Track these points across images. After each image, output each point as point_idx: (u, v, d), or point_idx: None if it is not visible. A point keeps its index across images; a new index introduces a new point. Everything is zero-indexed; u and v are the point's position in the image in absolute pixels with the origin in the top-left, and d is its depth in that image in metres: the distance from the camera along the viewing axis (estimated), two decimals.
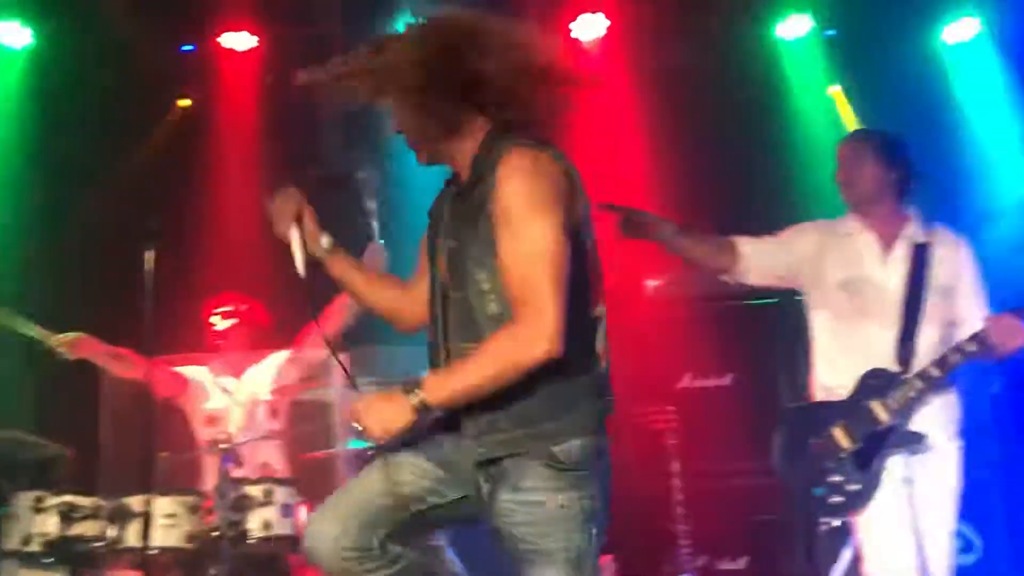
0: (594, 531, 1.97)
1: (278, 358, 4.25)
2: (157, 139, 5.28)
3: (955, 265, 3.11)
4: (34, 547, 3.41)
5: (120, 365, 3.97)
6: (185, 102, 5.44)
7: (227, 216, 5.18)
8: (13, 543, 3.46)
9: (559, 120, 2.04)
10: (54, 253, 4.94)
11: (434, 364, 2.10)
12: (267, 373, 4.25)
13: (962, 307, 3.10)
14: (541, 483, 1.95)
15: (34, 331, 3.79)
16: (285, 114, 5.42)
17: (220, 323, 4.24)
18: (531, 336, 1.87)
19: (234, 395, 4.22)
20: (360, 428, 1.98)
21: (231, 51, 5.39)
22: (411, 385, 1.95)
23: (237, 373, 4.26)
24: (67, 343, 3.85)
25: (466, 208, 2.03)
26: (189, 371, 4.24)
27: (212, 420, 4.16)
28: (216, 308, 4.26)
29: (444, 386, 1.94)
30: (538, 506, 1.95)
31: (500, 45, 1.97)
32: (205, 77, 5.43)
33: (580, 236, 1.99)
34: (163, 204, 4.52)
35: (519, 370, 1.88)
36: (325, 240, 2.26)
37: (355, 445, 3.88)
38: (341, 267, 2.28)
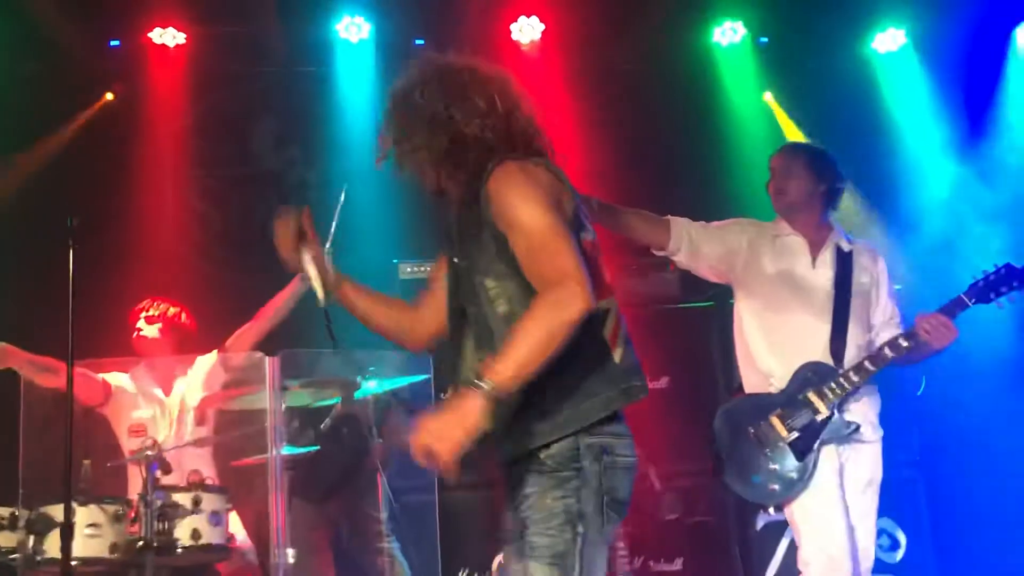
0: (580, 530, 1.97)
1: (205, 363, 4.15)
2: (77, 129, 5.10)
3: (874, 274, 3.33)
4: None
5: (43, 375, 3.82)
6: (109, 96, 5.28)
7: (152, 215, 5.05)
8: None
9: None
10: None
11: (452, 381, 2.14)
12: (195, 378, 4.14)
13: (876, 314, 3.32)
14: (530, 487, 2.00)
15: None
16: (214, 112, 5.32)
17: (146, 328, 4.12)
18: (563, 295, 1.90)
19: (162, 402, 4.10)
20: (430, 460, 1.84)
21: (161, 47, 5.29)
22: (470, 382, 1.90)
23: (164, 379, 4.15)
24: None
25: (468, 224, 2.11)
26: (113, 378, 4.11)
27: (138, 428, 4.03)
28: (141, 312, 4.14)
29: (504, 365, 1.88)
30: (528, 504, 1.99)
31: (495, 91, 2.12)
32: (133, 73, 5.29)
33: (578, 234, 2.05)
34: (84, 202, 4.36)
35: (564, 329, 1.88)
36: (328, 261, 2.25)
37: (288, 450, 3.82)
38: (351, 292, 2.30)
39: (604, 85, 5.50)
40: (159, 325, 4.12)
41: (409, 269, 4.81)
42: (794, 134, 5.58)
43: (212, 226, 5.16)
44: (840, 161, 3.41)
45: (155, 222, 5.03)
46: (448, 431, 1.84)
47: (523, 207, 1.99)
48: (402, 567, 4.10)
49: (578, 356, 1.98)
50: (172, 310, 4.16)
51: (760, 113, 5.74)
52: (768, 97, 5.75)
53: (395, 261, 4.85)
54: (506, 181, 2.02)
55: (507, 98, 2.12)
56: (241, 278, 4.85)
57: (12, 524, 3.37)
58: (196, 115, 5.30)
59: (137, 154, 5.12)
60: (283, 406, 3.25)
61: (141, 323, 4.11)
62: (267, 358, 3.38)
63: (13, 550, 3.34)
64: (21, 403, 3.51)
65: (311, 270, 2.20)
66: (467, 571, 4.18)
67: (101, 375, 4.09)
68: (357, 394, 3.91)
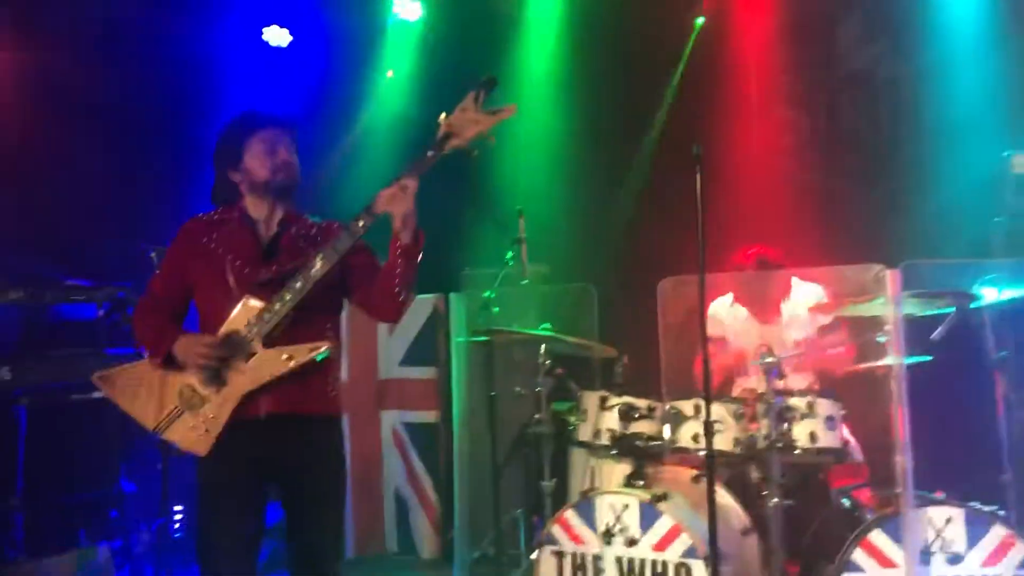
0: None
1: (808, 290, 4.27)
2: (684, 59, 5.45)
3: None
4: (602, 440, 3.91)
5: None
6: (700, 20, 5.53)
7: (746, 129, 5.22)
8: (585, 435, 4.00)
9: None
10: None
11: None
12: (803, 299, 4.28)
13: None
14: None
15: None
16: (797, 16, 5.28)
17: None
18: None
19: (761, 328, 4.34)
20: None
21: None
22: None
23: (765, 304, 4.34)
24: None
25: None
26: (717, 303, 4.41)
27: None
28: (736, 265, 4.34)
29: None
30: None
31: None
32: None
33: None
34: (688, 123, 4.67)
35: None
36: None
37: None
38: None
39: None
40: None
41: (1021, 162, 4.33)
42: None
43: (800, 132, 5.19)
44: None
45: (745, 133, 5.21)
46: None
47: None
48: None
49: None
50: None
51: None
52: None
53: (1007, 154, 4.40)
54: None
55: None
56: (831, 183, 4.84)
57: (651, 414, 3.89)
58: (779, 23, 5.32)
59: (732, 72, 5.31)
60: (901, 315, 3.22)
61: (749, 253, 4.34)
62: (887, 270, 3.35)
63: (653, 437, 3.86)
64: (659, 314, 3.95)
65: None
66: None
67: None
68: (972, 305, 3.67)
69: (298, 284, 2.74)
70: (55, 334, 4.26)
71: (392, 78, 6.35)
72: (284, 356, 2.75)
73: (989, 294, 3.65)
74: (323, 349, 2.77)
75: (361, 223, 2.72)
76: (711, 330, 4.19)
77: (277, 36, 6.11)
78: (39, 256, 4.55)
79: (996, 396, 3.47)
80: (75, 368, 4.18)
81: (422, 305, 5.20)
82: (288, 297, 2.74)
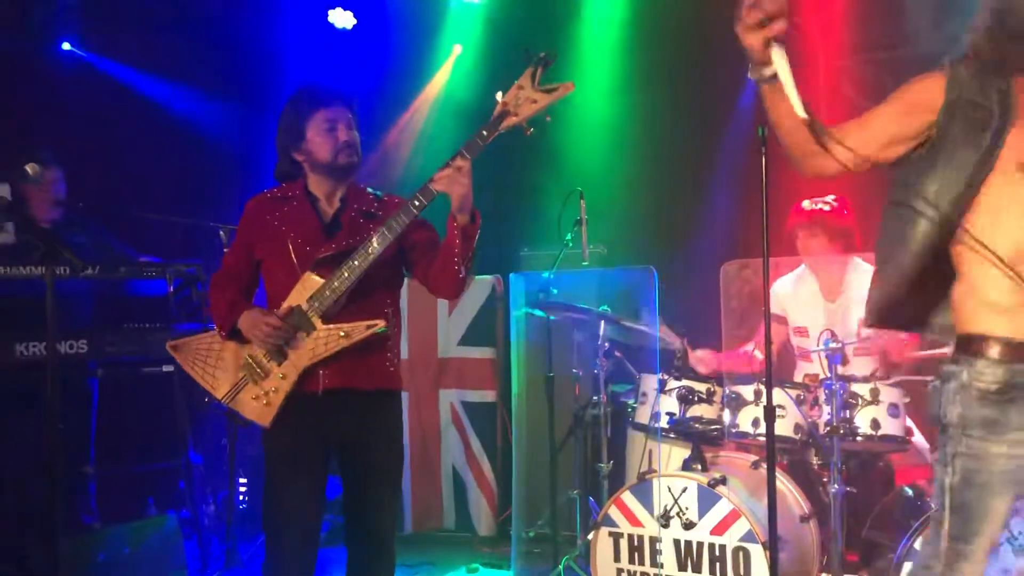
0: None
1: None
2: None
3: None
4: (660, 423, 3.90)
5: None
6: None
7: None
8: (643, 418, 3.99)
9: None
10: None
11: None
12: (861, 282, 4.19)
13: None
14: None
15: None
16: None
17: (804, 238, 4.18)
18: None
19: (824, 306, 4.25)
20: None
21: None
22: None
23: (830, 282, 4.25)
24: None
25: None
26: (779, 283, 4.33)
27: (801, 330, 4.25)
28: (796, 223, 4.20)
29: None
30: None
31: None
32: None
33: None
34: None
35: None
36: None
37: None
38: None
39: None
40: (817, 231, 4.15)
41: None
42: None
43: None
44: None
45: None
46: None
47: None
48: None
49: None
50: (826, 207, 4.14)
51: None
52: None
53: None
54: None
55: None
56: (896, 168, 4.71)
57: (710, 398, 3.87)
58: (846, 3, 5.19)
59: (798, 54, 5.21)
60: None
61: (800, 232, 4.17)
62: None
63: (712, 420, 3.84)
64: (721, 296, 3.92)
65: (783, 69, 1.92)
66: None
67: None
68: None
69: (356, 262, 2.78)
70: (127, 309, 4.39)
71: (457, 56, 6.36)
72: (341, 333, 2.81)
73: None
74: (380, 326, 2.81)
75: (417, 203, 2.75)
76: (773, 308, 4.12)
77: (342, 18, 6.17)
78: (113, 234, 4.69)
79: None
80: (146, 342, 4.31)
81: (481, 285, 5.23)
82: (346, 274, 2.78)
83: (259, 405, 2.87)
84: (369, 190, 3.06)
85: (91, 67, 5.77)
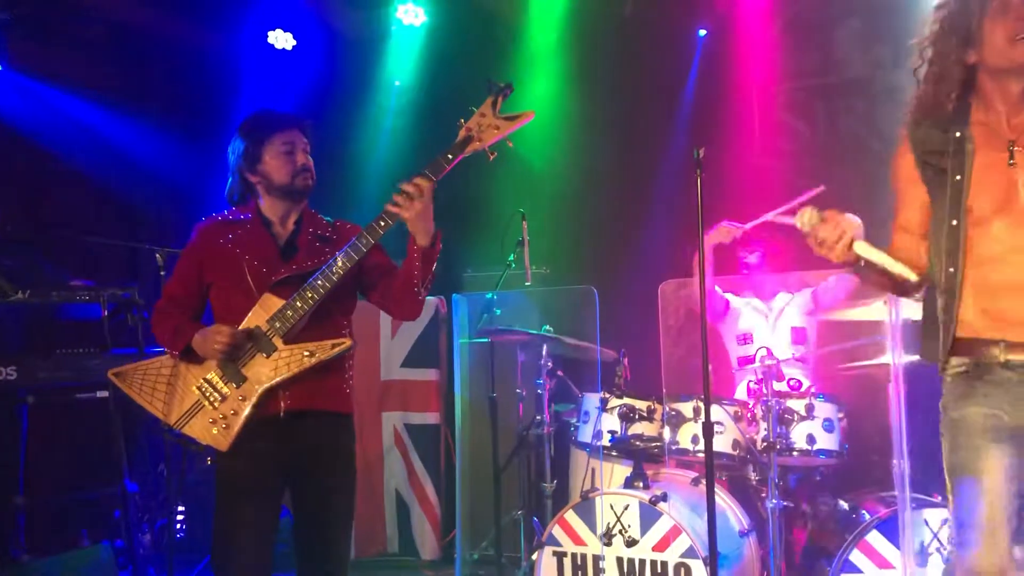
0: None
1: (810, 292, 4.31)
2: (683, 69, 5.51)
3: None
4: (602, 441, 3.93)
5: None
6: (702, 32, 5.58)
7: (744, 133, 5.26)
8: (586, 436, 4.02)
9: None
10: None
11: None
12: (800, 301, 4.32)
13: None
14: None
15: None
16: (796, 21, 5.31)
17: (749, 258, 4.38)
18: None
19: (764, 312, 4.37)
20: None
21: None
22: None
23: (767, 291, 4.39)
24: None
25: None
26: (729, 296, 4.47)
27: (744, 336, 4.36)
28: (745, 247, 4.36)
29: None
30: None
31: None
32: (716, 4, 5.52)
33: None
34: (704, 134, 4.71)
35: None
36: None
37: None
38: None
39: None
40: (757, 253, 4.35)
41: None
42: None
43: (800, 138, 5.23)
44: None
45: (746, 139, 5.25)
46: None
47: None
48: None
49: None
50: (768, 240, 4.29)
51: None
52: None
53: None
54: None
55: None
56: (830, 189, 4.86)
57: (650, 416, 3.92)
58: (778, 27, 5.36)
59: (733, 79, 5.35)
60: (900, 318, 3.25)
61: (744, 253, 4.38)
62: None
63: (654, 438, 3.89)
64: (659, 315, 3.98)
65: (875, 255, 2.22)
66: None
67: (727, 293, 4.46)
68: None
69: (319, 282, 2.77)
70: (59, 334, 4.29)
71: (399, 83, 6.39)
72: (306, 353, 2.79)
73: None
74: (346, 344, 2.82)
75: (382, 224, 2.75)
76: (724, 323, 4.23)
77: (282, 40, 6.15)
78: (44, 257, 4.58)
79: None
80: (79, 367, 4.20)
81: (424, 307, 5.22)
82: (311, 295, 2.77)
83: (216, 429, 2.80)
84: (320, 215, 3.06)
85: (24, 87, 5.65)
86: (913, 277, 2.24)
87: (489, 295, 4.42)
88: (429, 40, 6.18)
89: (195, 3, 5.70)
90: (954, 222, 2.22)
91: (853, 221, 2.25)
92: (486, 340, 4.38)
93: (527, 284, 4.50)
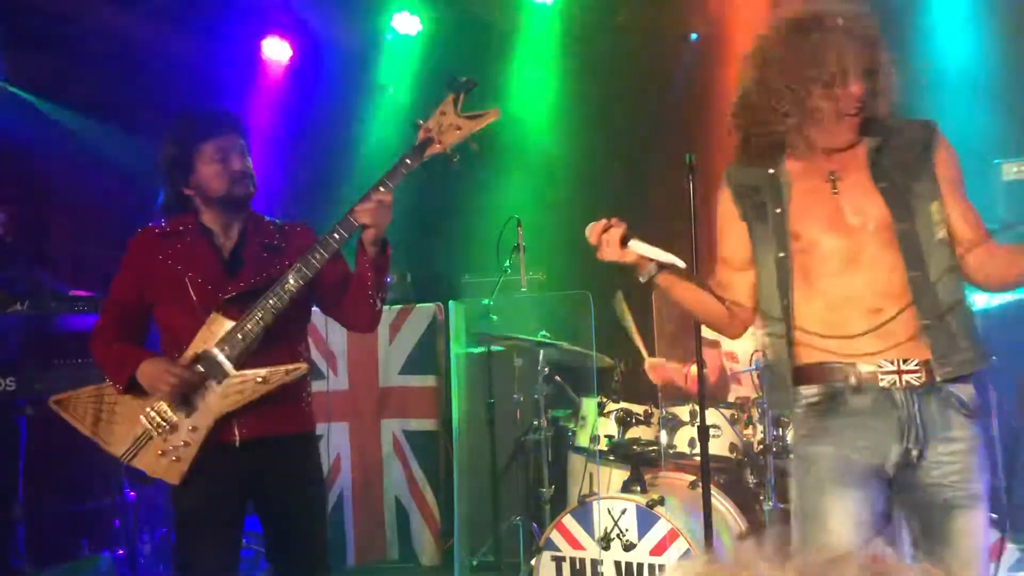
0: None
1: None
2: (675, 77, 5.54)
3: None
4: (600, 445, 3.95)
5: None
6: (694, 36, 5.62)
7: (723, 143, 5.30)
8: (583, 441, 4.04)
9: None
10: None
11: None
12: None
13: None
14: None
15: None
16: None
17: None
18: None
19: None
20: None
21: None
22: None
23: None
24: None
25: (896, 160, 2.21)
26: None
27: (732, 356, 4.38)
28: None
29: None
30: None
31: None
32: (709, 8, 5.55)
33: None
34: (690, 135, 4.73)
35: None
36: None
37: None
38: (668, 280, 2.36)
39: None
40: None
41: (1015, 170, 4.39)
42: None
43: None
44: None
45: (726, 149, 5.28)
46: None
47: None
48: None
49: None
50: None
51: None
52: None
53: (996, 161, 4.46)
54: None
55: None
56: None
57: (647, 420, 3.94)
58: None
59: (723, 85, 5.38)
60: None
61: None
62: None
63: (650, 442, 3.91)
64: (654, 321, 4.01)
65: (647, 250, 2.29)
66: None
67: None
68: None
69: (271, 301, 2.58)
70: (58, 345, 4.30)
71: (389, 92, 6.41)
72: (259, 379, 2.60)
73: (979, 300, 3.71)
74: (301, 369, 2.65)
75: (337, 236, 2.59)
76: (706, 334, 4.23)
77: (277, 49, 6.17)
78: (42, 268, 4.59)
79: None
80: (78, 378, 4.20)
81: (422, 313, 5.25)
82: (260, 316, 2.58)
83: (166, 461, 2.61)
84: (267, 218, 2.86)
85: (20, 100, 5.67)
86: (681, 264, 2.28)
87: (485, 301, 4.44)
88: (424, 49, 6.21)
89: (189, 15, 5.72)
90: (781, 254, 2.20)
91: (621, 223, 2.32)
92: (484, 349, 4.41)
93: (523, 290, 4.53)
